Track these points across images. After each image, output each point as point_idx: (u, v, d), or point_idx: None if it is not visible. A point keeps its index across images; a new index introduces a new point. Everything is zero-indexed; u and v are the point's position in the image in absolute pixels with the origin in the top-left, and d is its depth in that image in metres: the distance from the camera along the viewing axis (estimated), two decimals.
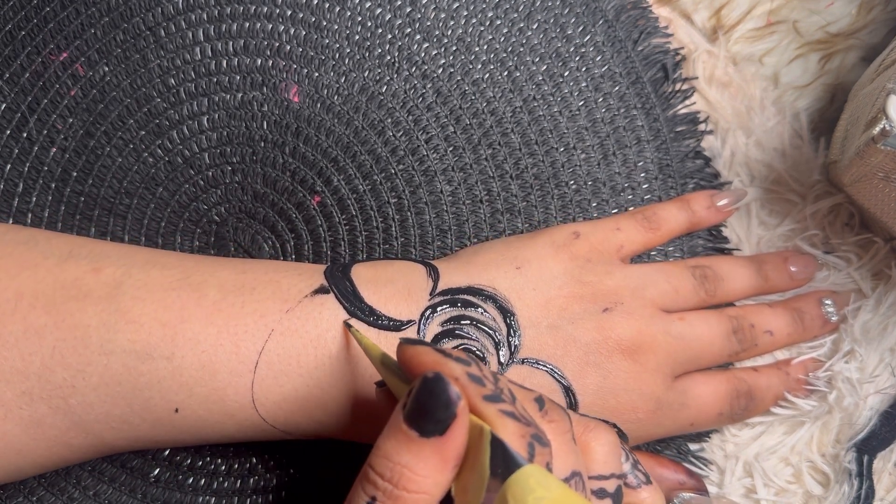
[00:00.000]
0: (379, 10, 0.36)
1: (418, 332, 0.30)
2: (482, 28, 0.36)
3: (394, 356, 0.25)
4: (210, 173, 0.35)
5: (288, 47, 0.35)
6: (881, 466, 0.35)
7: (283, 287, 0.29)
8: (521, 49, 0.36)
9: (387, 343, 0.29)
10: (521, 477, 0.20)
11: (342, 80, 0.35)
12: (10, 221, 0.34)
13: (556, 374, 0.30)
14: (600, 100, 0.37)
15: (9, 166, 0.34)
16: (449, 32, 0.36)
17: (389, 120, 0.35)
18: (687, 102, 0.38)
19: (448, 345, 0.30)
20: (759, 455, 0.35)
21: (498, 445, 0.21)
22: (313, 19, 0.35)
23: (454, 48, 0.36)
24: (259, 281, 0.29)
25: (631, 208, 0.36)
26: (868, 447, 0.35)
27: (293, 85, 0.35)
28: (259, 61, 0.35)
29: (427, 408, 0.21)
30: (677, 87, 0.38)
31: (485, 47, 0.36)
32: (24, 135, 0.34)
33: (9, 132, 0.34)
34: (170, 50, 0.34)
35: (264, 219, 0.35)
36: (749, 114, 0.38)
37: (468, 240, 0.35)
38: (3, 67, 0.34)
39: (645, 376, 0.31)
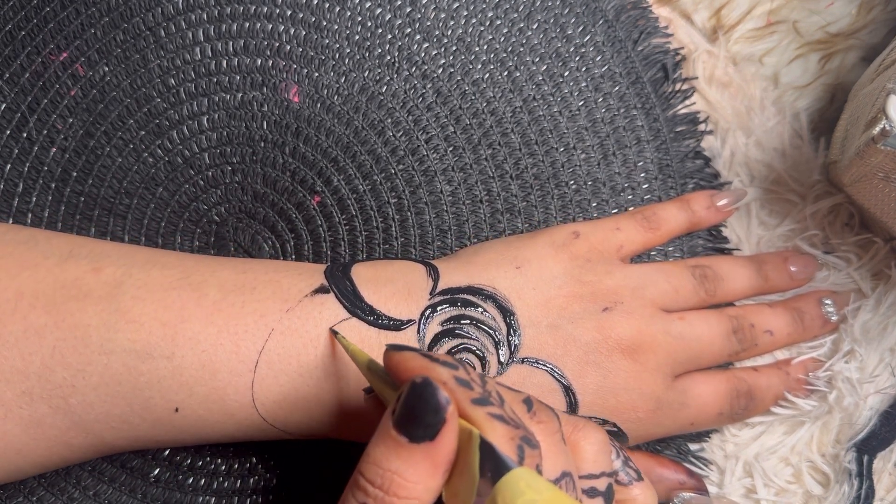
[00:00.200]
0: (379, 10, 0.36)
1: (418, 332, 0.30)
2: (482, 28, 0.36)
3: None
4: (210, 173, 0.35)
5: (288, 47, 0.35)
6: (881, 466, 0.35)
7: (284, 287, 0.29)
8: (521, 49, 0.36)
9: (387, 342, 0.29)
10: (511, 480, 0.20)
11: (342, 80, 0.35)
12: (10, 221, 0.34)
13: (555, 374, 0.30)
14: (600, 100, 0.37)
15: (9, 166, 0.34)
16: (449, 32, 0.36)
17: (389, 120, 0.35)
18: (687, 102, 0.38)
19: (448, 344, 0.30)
20: (759, 455, 0.35)
21: (487, 449, 0.21)
22: (313, 19, 0.35)
23: (454, 48, 0.36)
24: (259, 280, 0.29)
25: (631, 208, 0.36)
26: (868, 447, 0.35)
27: (293, 85, 0.35)
28: (259, 61, 0.35)
29: (416, 413, 0.21)
30: (677, 87, 0.38)
31: (485, 47, 0.36)
32: (24, 135, 0.34)
33: (9, 132, 0.34)
34: (170, 50, 0.35)
35: (264, 219, 0.35)
36: (749, 114, 0.38)
37: (468, 240, 0.35)
38: (3, 67, 0.34)
39: (645, 376, 0.31)
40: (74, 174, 0.34)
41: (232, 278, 0.29)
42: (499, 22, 0.36)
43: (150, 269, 0.29)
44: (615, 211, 0.36)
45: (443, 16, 0.36)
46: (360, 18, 0.35)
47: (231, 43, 0.35)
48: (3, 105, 0.34)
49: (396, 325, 0.30)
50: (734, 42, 0.38)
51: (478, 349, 0.30)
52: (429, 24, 0.36)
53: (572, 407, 0.31)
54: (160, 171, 0.34)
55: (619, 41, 0.37)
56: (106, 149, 0.34)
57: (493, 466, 0.20)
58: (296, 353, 0.28)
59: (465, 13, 0.36)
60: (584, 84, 0.37)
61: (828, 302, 0.36)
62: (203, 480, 0.33)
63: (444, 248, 0.35)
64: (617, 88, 0.37)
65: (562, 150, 0.36)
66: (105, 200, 0.34)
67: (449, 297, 0.30)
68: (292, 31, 0.35)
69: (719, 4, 0.38)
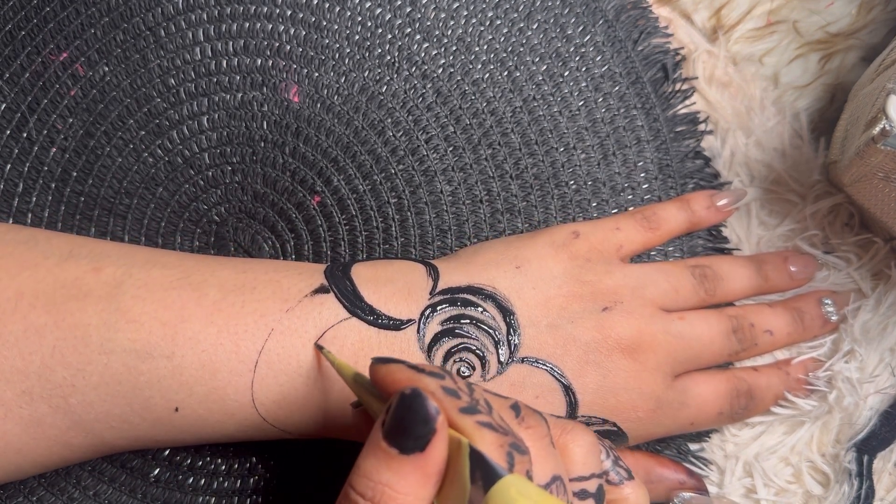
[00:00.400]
0: (379, 10, 0.36)
1: (418, 331, 0.30)
2: (482, 28, 0.36)
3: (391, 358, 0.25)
4: (210, 173, 0.35)
5: (288, 47, 0.35)
6: (881, 466, 0.35)
7: (284, 286, 0.29)
8: (521, 49, 0.36)
9: (387, 342, 0.29)
10: (502, 488, 0.20)
11: (342, 80, 0.35)
12: (10, 221, 0.34)
13: (555, 373, 0.30)
14: (600, 100, 0.37)
15: (9, 166, 0.34)
16: (449, 32, 0.36)
17: (389, 120, 0.35)
18: (687, 102, 0.38)
19: (448, 344, 0.30)
20: (759, 455, 0.35)
21: (477, 457, 0.21)
22: (313, 19, 0.35)
23: (454, 48, 0.36)
24: (259, 280, 0.29)
25: (631, 208, 0.36)
26: (868, 447, 0.35)
27: (293, 85, 0.35)
28: (259, 61, 0.35)
29: (406, 424, 0.21)
30: (677, 87, 0.38)
31: (485, 47, 0.36)
32: (24, 135, 0.34)
33: (9, 132, 0.34)
34: (170, 50, 0.35)
35: (264, 219, 0.35)
36: (749, 114, 0.38)
37: (468, 240, 0.35)
38: (3, 67, 0.34)
39: (645, 375, 0.31)
40: (74, 174, 0.34)
41: (232, 278, 0.29)
42: (499, 22, 0.36)
43: (150, 269, 0.29)
44: (615, 211, 0.36)
45: (443, 16, 0.36)
46: (360, 18, 0.36)
47: (231, 43, 0.35)
48: (3, 105, 0.34)
49: (396, 325, 0.30)
50: (734, 42, 0.38)
51: (478, 349, 0.30)
52: (429, 24, 0.36)
53: (572, 406, 0.31)
54: (160, 171, 0.34)
55: (619, 41, 0.37)
56: (106, 149, 0.34)
57: (484, 474, 0.20)
58: (295, 352, 0.28)
59: (465, 13, 0.36)
60: (584, 84, 0.37)
61: (828, 302, 0.36)
62: (203, 480, 0.33)
63: (444, 248, 0.35)
64: (617, 88, 0.37)
65: (562, 150, 0.36)
66: (105, 200, 0.34)
67: (449, 296, 0.30)
68: (292, 31, 0.35)
69: (719, 4, 0.38)
